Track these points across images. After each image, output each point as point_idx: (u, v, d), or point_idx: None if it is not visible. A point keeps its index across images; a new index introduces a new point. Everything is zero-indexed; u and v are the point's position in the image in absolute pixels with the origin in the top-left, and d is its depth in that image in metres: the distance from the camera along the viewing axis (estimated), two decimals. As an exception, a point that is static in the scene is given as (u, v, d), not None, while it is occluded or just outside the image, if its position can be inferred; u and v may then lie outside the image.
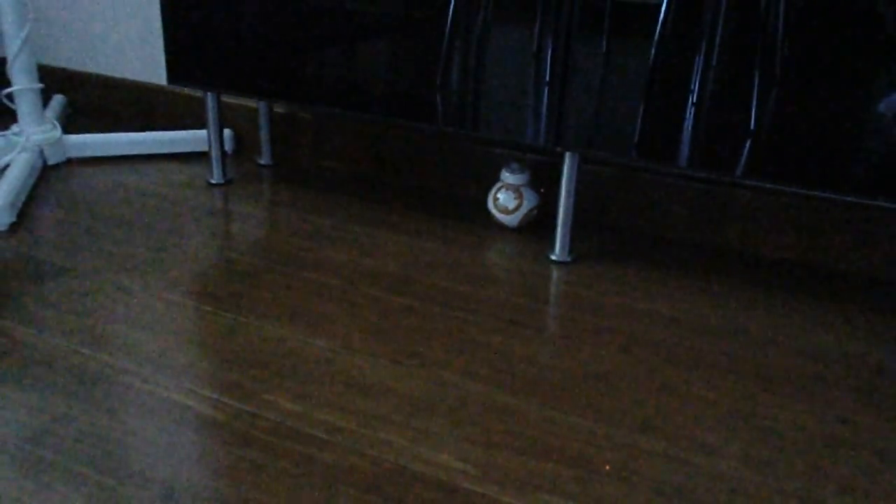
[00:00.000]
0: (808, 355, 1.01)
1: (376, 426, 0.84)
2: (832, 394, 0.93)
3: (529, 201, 1.32)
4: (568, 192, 1.20)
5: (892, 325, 1.09)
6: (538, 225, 1.37)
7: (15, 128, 1.54)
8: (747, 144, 1.05)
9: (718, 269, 1.23)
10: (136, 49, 1.81)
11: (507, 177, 1.32)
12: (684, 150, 1.08)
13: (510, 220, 1.32)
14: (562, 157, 1.18)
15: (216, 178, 1.51)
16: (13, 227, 1.28)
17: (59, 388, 0.88)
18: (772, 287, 1.18)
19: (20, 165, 1.43)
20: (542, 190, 1.38)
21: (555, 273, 1.20)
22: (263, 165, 1.63)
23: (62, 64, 1.91)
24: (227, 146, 1.68)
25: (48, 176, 1.52)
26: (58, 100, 1.84)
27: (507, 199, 1.31)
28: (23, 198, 1.37)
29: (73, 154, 1.61)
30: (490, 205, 1.34)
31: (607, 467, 0.77)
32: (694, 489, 0.76)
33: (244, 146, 1.72)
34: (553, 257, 1.23)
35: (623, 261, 1.25)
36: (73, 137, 1.61)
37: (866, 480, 0.78)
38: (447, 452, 0.80)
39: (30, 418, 0.83)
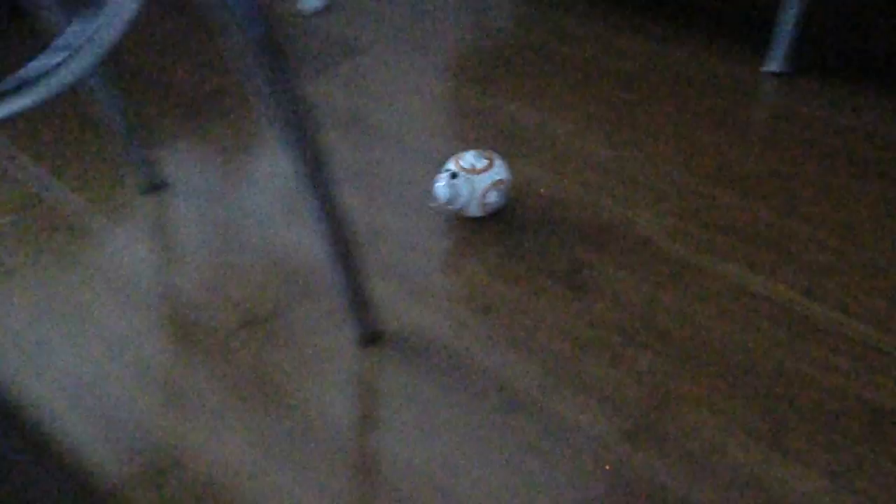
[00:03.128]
0: None
1: (596, 192, 1.09)
2: None
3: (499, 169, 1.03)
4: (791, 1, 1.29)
5: None
6: (759, 35, 1.47)
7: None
8: None
9: (935, 92, 1.31)
10: None
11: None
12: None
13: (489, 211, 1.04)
14: (796, -27, 1.27)
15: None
16: (328, 8, 1.60)
17: (332, 128, 1.21)
18: (984, 113, 1.25)
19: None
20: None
21: (770, 83, 1.33)
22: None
23: None
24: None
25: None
26: None
27: (497, 200, 1.03)
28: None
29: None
30: (476, 206, 1.02)
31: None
32: (837, 273, 0.96)
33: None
34: (770, 69, 1.36)
35: (839, 76, 1.35)
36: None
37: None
38: (648, 215, 1.04)
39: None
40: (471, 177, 0.99)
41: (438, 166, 1.14)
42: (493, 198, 1.02)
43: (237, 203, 1.09)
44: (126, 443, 0.78)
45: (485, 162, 1.01)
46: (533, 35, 1.49)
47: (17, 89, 0.47)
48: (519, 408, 0.80)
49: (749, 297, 0.92)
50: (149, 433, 0.79)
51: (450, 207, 1.00)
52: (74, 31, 0.48)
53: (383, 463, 0.76)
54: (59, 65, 0.48)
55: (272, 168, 1.16)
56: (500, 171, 1.02)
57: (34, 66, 0.48)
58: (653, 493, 0.72)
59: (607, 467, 0.74)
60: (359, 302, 0.85)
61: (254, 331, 0.90)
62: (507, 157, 1.16)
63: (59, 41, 0.48)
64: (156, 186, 1.11)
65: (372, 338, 0.88)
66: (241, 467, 0.76)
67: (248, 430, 0.79)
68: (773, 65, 1.35)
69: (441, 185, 0.98)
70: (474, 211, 1.02)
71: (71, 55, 0.48)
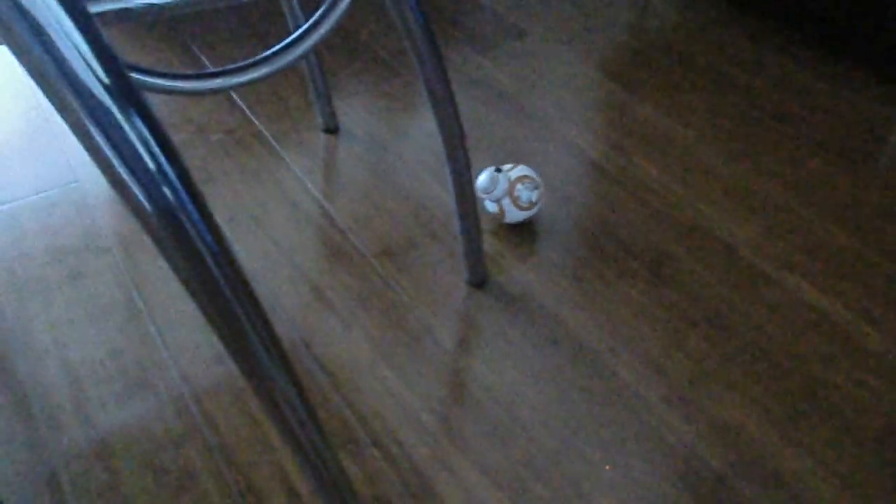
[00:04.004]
0: None
1: (698, 196, 1.23)
2: None
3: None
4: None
5: None
6: (894, 71, 1.52)
7: None
8: None
9: None
10: None
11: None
12: None
13: (527, 214, 1.15)
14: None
15: (648, -28, 1.84)
16: (497, -9, 1.78)
17: (486, 102, 1.39)
18: None
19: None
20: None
21: (900, 122, 1.40)
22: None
23: None
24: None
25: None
26: None
27: (528, 194, 1.13)
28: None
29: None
30: (509, 203, 1.13)
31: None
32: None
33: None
34: (903, 109, 1.42)
35: (974, 126, 1.39)
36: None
37: None
38: (739, 225, 1.17)
39: (466, 92, 1.35)
40: (508, 173, 1.12)
41: (570, 150, 1.31)
42: (521, 192, 1.12)
43: (394, 152, 1.31)
44: (275, 326, 1.02)
45: (526, 170, 1.13)
46: (682, 42, 1.61)
47: (254, 65, 0.68)
48: (583, 358, 0.98)
49: (809, 311, 1.04)
50: (293, 322, 1.03)
51: (484, 196, 1.13)
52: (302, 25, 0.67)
53: (468, 379, 0.96)
54: (286, 47, 0.70)
55: (429, 127, 1.36)
56: (531, 172, 1.13)
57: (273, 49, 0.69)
58: (677, 450, 0.88)
59: (643, 420, 0.91)
60: (473, 252, 1.05)
61: (388, 259, 1.12)
62: (628, 152, 1.32)
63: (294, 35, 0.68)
64: (331, 130, 1.34)
65: (479, 283, 1.08)
66: (358, 360, 0.98)
67: (369, 334, 1.01)
68: (908, 106, 1.42)
69: (484, 174, 1.12)
70: (512, 212, 1.13)
71: (294, 41, 0.70)
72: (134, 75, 0.61)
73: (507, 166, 1.15)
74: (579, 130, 1.36)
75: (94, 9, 0.57)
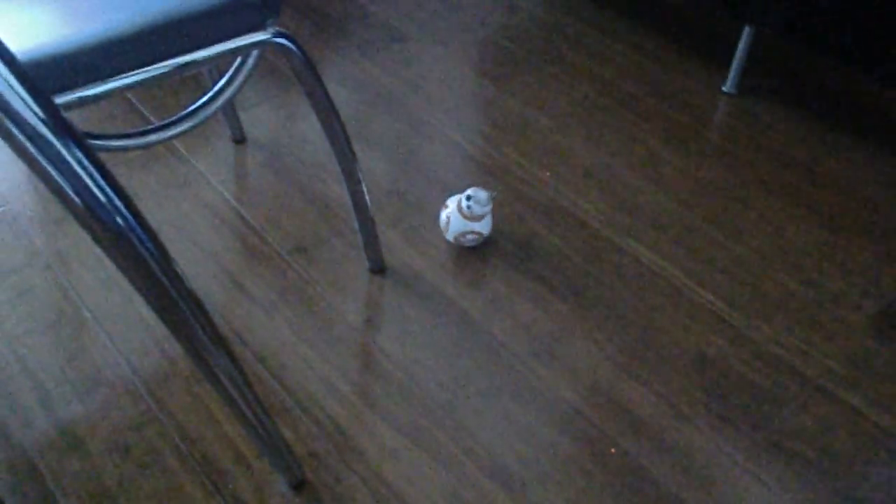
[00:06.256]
0: None
1: (554, 177, 1.46)
2: (859, 230, 1.39)
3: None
4: (748, 32, 1.61)
5: None
6: (717, 56, 1.79)
7: None
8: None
9: (878, 128, 1.63)
10: None
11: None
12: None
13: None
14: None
15: (512, -32, 2.05)
16: (377, -5, 1.96)
17: (372, 104, 1.59)
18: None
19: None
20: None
21: (722, 104, 1.67)
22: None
23: None
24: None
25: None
26: None
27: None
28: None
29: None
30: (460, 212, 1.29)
31: (613, 450, 1.35)
32: (716, 260, 1.33)
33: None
34: (724, 89, 1.69)
35: (788, 105, 1.68)
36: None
37: (832, 283, 1.30)
38: (590, 201, 1.42)
39: (354, 95, 1.55)
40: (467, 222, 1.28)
41: (447, 144, 1.52)
42: (467, 240, 1.31)
43: (296, 157, 1.49)
44: (211, 319, 1.20)
45: (486, 210, 1.28)
46: (545, 38, 1.83)
47: (177, 121, 0.86)
48: (466, 325, 1.21)
49: (647, 272, 1.30)
50: (222, 315, 1.21)
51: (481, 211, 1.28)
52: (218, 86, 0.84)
53: (373, 351, 1.17)
54: (205, 104, 0.88)
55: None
56: (485, 226, 1.30)
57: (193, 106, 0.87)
58: (544, 392, 1.12)
59: (516, 371, 1.15)
60: (371, 243, 1.25)
61: (299, 254, 1.31)
62: (496, 143, 1.54)
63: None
64: (239, 140, 1.51)
65: (379, 270, 1.29)
66: (282, 343, 1.18)
67: (289, 321, 1.21)
68: (729, 86, 1.69)
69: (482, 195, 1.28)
70: (448, 237, 1.31)
71: (211, 99, 0.88)
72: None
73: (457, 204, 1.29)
74: (455, 125, 1.58)
75: (59, 100, 0.74)
